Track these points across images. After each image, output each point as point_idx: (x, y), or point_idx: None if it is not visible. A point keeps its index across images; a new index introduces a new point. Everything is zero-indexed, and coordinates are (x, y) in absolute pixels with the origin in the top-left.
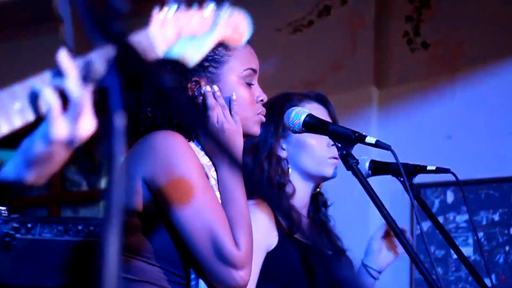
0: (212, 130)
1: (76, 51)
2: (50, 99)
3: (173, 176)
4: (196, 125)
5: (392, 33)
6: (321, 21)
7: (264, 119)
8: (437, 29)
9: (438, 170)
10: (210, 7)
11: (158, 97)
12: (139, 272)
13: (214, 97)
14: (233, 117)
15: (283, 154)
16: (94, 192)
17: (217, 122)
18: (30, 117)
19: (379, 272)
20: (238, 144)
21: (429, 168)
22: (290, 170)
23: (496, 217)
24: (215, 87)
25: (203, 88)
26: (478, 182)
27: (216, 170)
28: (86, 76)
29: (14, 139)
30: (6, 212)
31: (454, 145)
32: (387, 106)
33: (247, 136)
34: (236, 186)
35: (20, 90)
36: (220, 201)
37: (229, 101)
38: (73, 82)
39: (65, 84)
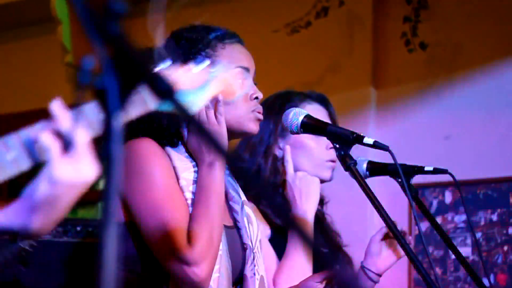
0: (192, 131)
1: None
2: (48, 143)
3: (134, 181)
4: (177, 126)
5: (390, 34)
6: (319, 22)
7: (261, 116)
8: (435, 30)
9: (436, 171)
10: (205, 63)
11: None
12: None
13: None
14: (217, 118)
15: (280, 153)
16: (92, 193)
17: (198, 122)
18: (25, 166)
19: (379, 275)
20: (218, 144)
21: (427, 168)
22: (284, 169)
23: (495, 217)
24: None
25: None
26: (476, 182)
27: (198, 170)
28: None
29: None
30: None
31: (452, 145)
32: (385, 106)
33: (243, 134)
34: (210, 186)
35: (14, 139)
36: (186, 201)
37: (215, 102)
38: (67, 126)
39: (61, 127)
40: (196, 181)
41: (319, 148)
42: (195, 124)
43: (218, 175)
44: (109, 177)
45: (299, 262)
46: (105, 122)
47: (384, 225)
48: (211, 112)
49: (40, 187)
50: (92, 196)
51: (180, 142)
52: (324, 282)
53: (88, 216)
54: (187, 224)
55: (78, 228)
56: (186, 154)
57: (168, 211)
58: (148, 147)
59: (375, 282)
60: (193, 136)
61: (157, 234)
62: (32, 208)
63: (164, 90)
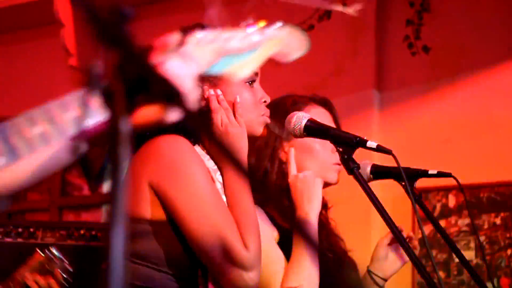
0: (216, 133)
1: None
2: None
3: (178, 181)
4: (201, 128)
5: (393, 37)
6: (322, 25)
7: (268, 120)
8: (438, 33)
9: (440, 175)
10: (260, 24)
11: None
12: (148, 279)
13: (218, 101)
14: (237, 119)
15: (285, 157)
16: (95, 196)
17: (221, 125)
18: (52, 140)
19: (385, 280)
20: (243, 146)
21: (430, 172)
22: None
23: (498, 221)
24: (219, 91)
25: (207, 92)
26: (480, 186)
27: (221, 173)
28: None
29: None
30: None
31: (455, 149)
32: (388, 109)
33: (251, 137)
34: (242, 189)
35: (39, 114)
36: (226, 205)
37: (233, 104)
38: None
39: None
40: (223, 185)
41: (325, 151)
42: (215, 128)
43: (246, 176)
44: (116, 180)
45: (305, 265)
46: (112, 125)
47: (389, 230)
48: (231, 114)
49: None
50: (95, 199)
51: (197, 143)
52: None
53: (91, 219)
54: (237, 229)
55: (82, 231)
56: (208, 157)
57: (219, 215)
58: (187, 146)
59: (381, 287)
60: (215, 138)
61: (210, 238)
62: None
63: (171, 93)
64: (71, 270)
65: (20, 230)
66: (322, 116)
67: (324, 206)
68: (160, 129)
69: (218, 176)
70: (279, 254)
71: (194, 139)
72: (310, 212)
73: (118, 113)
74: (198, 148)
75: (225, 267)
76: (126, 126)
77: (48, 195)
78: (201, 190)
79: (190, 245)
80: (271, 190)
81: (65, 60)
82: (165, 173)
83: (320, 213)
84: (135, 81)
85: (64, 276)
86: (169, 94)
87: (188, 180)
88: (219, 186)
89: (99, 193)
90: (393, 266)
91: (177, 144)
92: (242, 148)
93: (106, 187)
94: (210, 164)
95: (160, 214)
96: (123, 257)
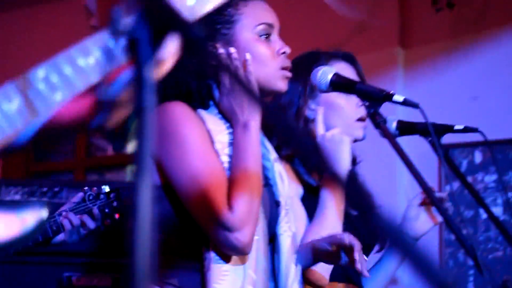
0: (225, 92)
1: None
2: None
3: (169, 145)
4: (209, 87)
5: None
6: None
7: (289, 74)
8: None
9: (466, 129)
10: None
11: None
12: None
13: (229, 59)
14: (247, 77)
15: (310, 115)
16: (119, 156)
17: (229, 83)
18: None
19: (416, 240)
20: (251, 104)
21: (457, 127)
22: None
23: None
24: (232, 49)
25: (219, 50)
26: (506, 142)
27: (232, 132)
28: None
29: None
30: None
31: (480, 105)
32: (413, 66)
33: (272, 93)
34: (247, 147)
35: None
36: (220, 166)
37: (244, 61)
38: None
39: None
40: (231, 143)
41: (350, 106)
42: (230, 76)
43: (254, 136)
44: (143, 131)
45: (329, 221)
46: (137, 73)
47: (420, 189)
48: (241, 72)
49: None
50: (119, 160)
51: (212, 104)
52: (334, 246)
53: (116, 180)
54: (226, 189)
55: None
56: (219, 116)
57: (206, 176)
58: (181, 111)
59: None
60: (225, 97)
61: (196, 200)
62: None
63: (196, 39)
64: (114, 207)
65: (45, 190)
66: (346, 71)
67: (352, 161)
68: (164, 95)
69: (220, 137)
70: (301, 211)
71: (202, 102)
72: (338, 172)
73: (143, 60)
74: (205, 112)
75: (210, 228)
76: (151, 73)
77: (73, 156)
78: (191, 152)
79: (183, 206)
80: (298, 146)
81: (86, 20)
82: (159, 139)
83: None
84: (160, 27)
85: (102, 213)
86: (194, 39)
87: (179, 143)
88: (218, 146)
89: (123, 154)
90: (424, 226)
91: (171, 110)
92: (251, 107)
93: (130, 148)
94: (213, 126)
95: (157, 180)
96: (149, 213)
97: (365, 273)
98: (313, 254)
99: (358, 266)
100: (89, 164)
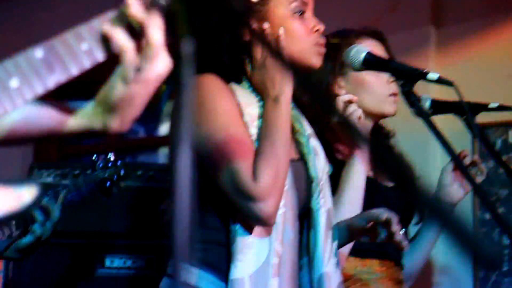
0: (256, 66)
1: None
2: (121, 40)
3: (199, 116)
4: (242, 61)
5: None
6: None
7: (323, 50)
8: None
9: (501, 108)
10: None
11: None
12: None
13: (261, 34)
14: (279, 52)
15: (340, 92)
16: (151, 139)
17: (261, 57)
18: (100, 57)
19: (453, 206)
20: (282, 79)
21: (491, 105)
22: None
23: None
24: (266, 24)
25: (253, 25)
26: None
27: (263, 105)
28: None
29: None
30: (113, 158)
31: None
32: (445, 46)
33: (306, 68)
34: (275, 121)
35: (86, 30)
36: (249, 137)
37: (277, 37)
38: (137, 11)
39: (133, 19)
40: (261, 116)
41: (380, 83)
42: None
43: (284, 110)
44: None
45: (352, 197)
46: (175, 47)
47: (450, 158)
48: (274, 47)
49: (116, 86)
50: (152, 142)
51: (244, 78)
52: (371, 223)
53: (148, 161)
54: (252, 160)
55: (139, 172)
56: (251, 89)
57: (233, 145)
58: (212, 82)
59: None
60: (257, 71)
61: (222, 169)
62: (109, 108)
63: (231, 13)
64: (121, 175)
65: (77, 172)
66: (375, 49)
67: (386, 135)
68: (198, 69)
69: (250, 110)
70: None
71: (235, 76)
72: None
73: (180, 34)
74: (237, 86)
75: (235, 197)
76: (189, 47)
77: (105, 139)
78: (219, 122)
79: (210, 177)
80: (327, 126)
81: None
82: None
83: (384, 142)
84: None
85: (111, 181)
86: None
87: (208, 115)
88: (248, 119)
89: (155, 136)
90: (459, 192)
91: (202, 82)
92: (282, 81)
93: (162, 129)
94: (244, 99)
95: None
96: (190, 180)
97: (405, 244)
98: (349, 231)
99: (397, 238)
100: (121, 147)
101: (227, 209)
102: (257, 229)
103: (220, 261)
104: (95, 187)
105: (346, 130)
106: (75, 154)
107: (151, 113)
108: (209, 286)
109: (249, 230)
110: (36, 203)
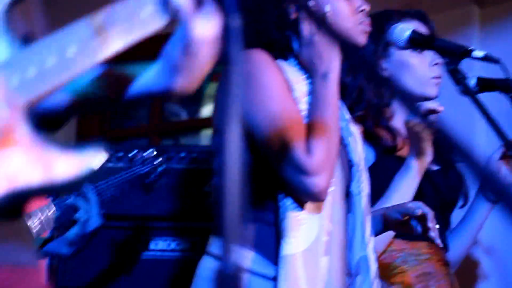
0: (304, 42)
1: None
2: (180, 1)
3: (249, 91)
4: (289, 39)
5: None
6: None
7: (368, 28)
8: None
9: None
10: None
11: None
12: None
13: (308, 11)
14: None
15: (383, 74)
16: (194, 121)
17: (309, 34)
18: (162, 22)
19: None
20: (330, 55)
21: None
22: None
23: None
24: (312, 2)
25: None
26: None
27: (312, 82)
28: None
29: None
30: (154, 153)
31: None
32: (489, 26)
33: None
34: (325, 97)
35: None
36: (299, 112)
37: (324, 14)
38: None
39: None
40: (310, 93)
41: (423, 65)
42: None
43: (333, 86)
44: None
45: (402, 200)
46: (224, 23)
47: (500, 143)
48: (322, 24)
49: (178, 47)
50: (195, 124)
51: (290, 55)
52: (405, 218)
53: (190, 143)
54: (304, 135)
55: (182, 155)
56: (298, 67)
57: (285, 120)
58: (262, 58)
59: (494, 203)
60: (305, 48)
61: (274, 144)
62: (172, 69)
63: None
64: (160, 172)
65: (120, 154)
66: (419, 30)
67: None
68: (246, 44)
69: (299, 86)
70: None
71: (283, 51)
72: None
73: (230, 10)
74: (284, 62)
75: (288, 172)
76: (237, 22)
77: (148, 121)
78: (270, 98)
79: (261, 153)
80: (368, 109)
81: None
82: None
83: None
84: None
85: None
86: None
87: (258, 89)
88: (297, 95)
89: (198, 119)
90: (505, 180)
91: (251, 57)
92: (329, 57)
93: (204, 111)
94: (293, 75)
95: None
96: (239, 159)
97: (438, 241)
98: (383, 222)
99: (432, 234)
100: (164, 129)
101: (278, 185)
102: (308, 206)
103: (269, 242)
104: (135, 183)
105: (417, 133)
106: (118, 137)
107: (193, 95)
108: (258, 267)
109: (300, 206)
110: (98, 168)
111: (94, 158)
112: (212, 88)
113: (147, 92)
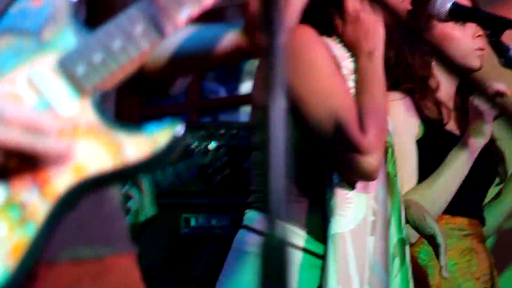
0: (348, 19)
1: None
2: None
3: (298, 68)
4: (332, 16)
5: None
6: None
7: (483, 52)
8: None
9: None
10: None
11: None
12: None
13: None
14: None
15: (427, 46)
16: (232, 98)
17: (354, 11)
18: None
19: None
20: (375, 33)
21: None
22: (434, 63)
23: None
24: None
25: None
26: None
27: (355, 60)
28: None
29: None
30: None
31: None
32: None
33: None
34: (372, 75)
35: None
36: (349, 90)
37: None
38: None
39: None
40: (355, 71)
41: (466, 37)
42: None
43: (379, 64)
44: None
45: (448, 186)
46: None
47: None
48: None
49: None
50: (233, 101)
51: (333, 33)
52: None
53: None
54: (356, 113)
55: (221, 131)
56: (341, 44)
57: (337, 98)
58: (309, 34)
59: None
60: (349, 25)
61: (327, 122)
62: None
63: None
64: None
65: (221, 132)
66: (461, 1)
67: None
68: None
69: (346, 63)
70: (410, 149)
71: (325, 29)
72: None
73: None
74: (329, 39)
75: (341, 150)
76: None
77: (186, 99)
78: (320, 75)
79: (310, 131)
80: (413, 82)
81: None
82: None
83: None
84: None
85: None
86: None
87: (308, 66)
88: (345, 72)
89: (236, 95)
90: None
91: (299, 33)
92: (374, 35)
93: (242, 88)
94: (339, 52)
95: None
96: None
97: (444, 274)
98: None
99: (441, 262)
100: (202, 107)
101: (327, 163)
102: (357, 185)
103: (315, 219)
104: (196, 174)
105: (480, 113)
106: (156, 115)
107: (231, 72)
108: (304, 243)
109: (350, 184)
110: (172, 147)
111: (165, 138)
112: (250, 64)
113: (236, 48)
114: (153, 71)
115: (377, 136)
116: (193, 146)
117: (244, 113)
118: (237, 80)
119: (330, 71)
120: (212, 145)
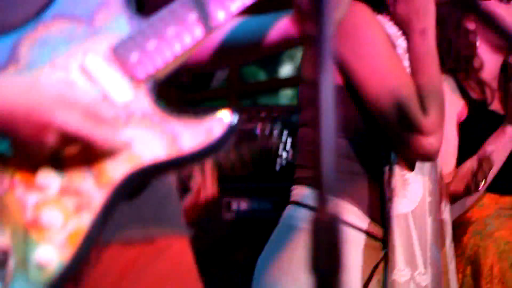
0: None
1: None
2: None
3: (355, 45)
4: None
5: None
6: None
7: None
8: None
9: None
10: None
11: None
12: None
13: None
14: None
15: (471, 26)
16: (272, 81)
17: None
18: None
19: None
20: (427, 11)
21: None
22: (478, 42)
23: None
24: None
25: None
26: None
27: (407, 39)
28: None
29: None
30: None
31: None
32: None
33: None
34: (426, 54)
35: None
36: (406, 69)
37: None
38: None
39: None
40: (408, 50)
41: (509, 16)
42: None
43: (432, 41)
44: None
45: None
46: None
47: None
48: None
49: None
50: (273, 84)
51: (384, 11)
52: None
53: (270, 103)
54: (416, 93)
55: (263, 115)
56: (392, 23)
57: (397, 78)
58: (365, 12)
59: None
60: (401, 3)
61: (386, 102)
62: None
63: None
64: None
65: (263, 115)
66: None
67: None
68: None
69: (400, 42)
70: (451, 129)
71: (377, 7)
72: None
73: None
74: (381, 17)
75: (402, 131)
76: None
77: (225, 83)
78: (379, 54)
79: (368, 110)
80: (457, 61)
81: None
82: (342, 38)
83: None
84: None
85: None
86: None
87: (366, 44)
88: (400, 51)
89: (275, 79)
90: None
91: (355, 10)
92: (427, 13)
93: (282, 71)
94: (393, 30)
95: (337, 79)
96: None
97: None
98: None
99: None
100: (242, 90)
101: (385, 142)
102: (416, 165)
103: (374, 199)
104: (259, 158)
105: None
106: (196, 99)
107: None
108: (354, 219)
109: (410, 165)
110: (227, 137)
111: (220, 128)
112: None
113: (284, 38)
114: (196, 63)
115: (440, 116)
116: (257, 130)
117: (284, 96)
118: (276, 63)
119: (388, 49)
120: (276, 128)
